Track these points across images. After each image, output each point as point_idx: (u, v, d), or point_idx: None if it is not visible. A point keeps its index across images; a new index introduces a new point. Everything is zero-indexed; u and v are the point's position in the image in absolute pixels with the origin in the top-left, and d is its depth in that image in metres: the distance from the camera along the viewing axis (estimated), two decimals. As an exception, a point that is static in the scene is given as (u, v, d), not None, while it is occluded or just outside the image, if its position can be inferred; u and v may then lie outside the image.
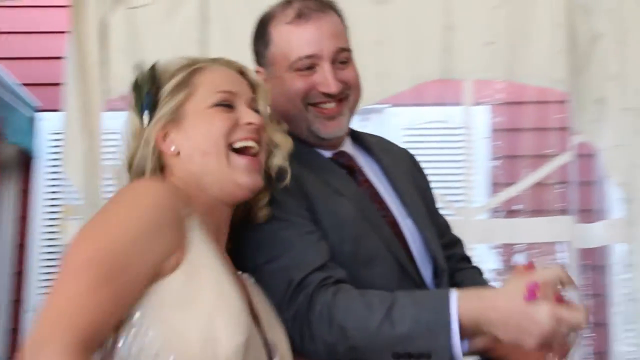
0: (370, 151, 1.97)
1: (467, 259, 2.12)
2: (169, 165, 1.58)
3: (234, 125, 1.56)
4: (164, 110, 1.56)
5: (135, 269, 1.28)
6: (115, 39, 3.35)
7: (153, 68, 1.60)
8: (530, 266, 1.60)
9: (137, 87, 1.59)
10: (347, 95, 1.85)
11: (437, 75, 3.57)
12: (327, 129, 1.84)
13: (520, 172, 4.05)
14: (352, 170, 1.88)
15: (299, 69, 1.80)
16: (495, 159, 4.70)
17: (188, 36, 3.37)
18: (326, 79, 1.80)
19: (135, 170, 1.59)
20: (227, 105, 1.57)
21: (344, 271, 1.65)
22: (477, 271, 2.09)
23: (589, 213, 3.89)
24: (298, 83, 1.81)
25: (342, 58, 1.84)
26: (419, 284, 1.78)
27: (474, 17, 3.50)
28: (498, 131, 4.72)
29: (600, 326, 4.21)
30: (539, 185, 3.80)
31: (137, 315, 1.30)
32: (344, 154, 1.91)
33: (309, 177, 1.75)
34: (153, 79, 1.58)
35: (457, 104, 3.76)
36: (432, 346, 1.49)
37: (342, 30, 1.89)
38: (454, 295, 1.53)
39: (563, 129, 3.94)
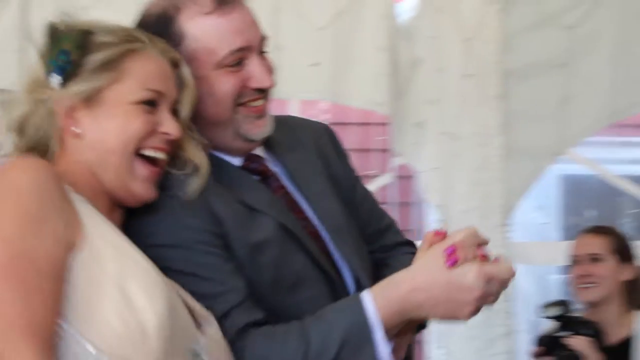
0: (273, 152, 1.75)
1: (402, 244, 1.86)
2: (64, 142, 1.42)
3: (152, 131, 1.43)
4: (82, 86, 1.38)
5: (43, 260, 1.18)
6: None
7: (86, 31, 1.40)
8: (440, 233, 1.47)
9: (56, 37, 1.39)
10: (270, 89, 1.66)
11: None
12: (258, 129, 1.63)
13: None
14: (265, 175, 1.68)
15: (228, 65, 1.57)
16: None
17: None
18: (260, 73, 1.59)
19: (27, 139, 1.41)
20: (151, 104, 1.43)
21: (260, 312, 1.49)
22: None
23: (407, 233, 4.03)
24: (230, 81, 1.57)
25: (263, 47, 1.64)
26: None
27: (301, 38, 3.55)
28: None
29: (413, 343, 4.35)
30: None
31: None
32: (255, 158, 1.70)
33: (217, 197, 1.54)
34: (81, 42, 1.39)
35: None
36: None
37: None
38: (367, 297, 1.41)
39: (384, 150, 4.08)
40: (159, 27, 1.58)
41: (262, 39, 1.62)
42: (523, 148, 3.74)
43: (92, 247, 1.24)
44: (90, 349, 1.17)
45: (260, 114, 1.63)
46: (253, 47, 1.59)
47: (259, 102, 1.62)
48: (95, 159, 1.41)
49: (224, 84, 1.57)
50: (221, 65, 1.57)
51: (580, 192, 5.46)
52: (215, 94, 1.58)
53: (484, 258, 1.38)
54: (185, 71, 1.52)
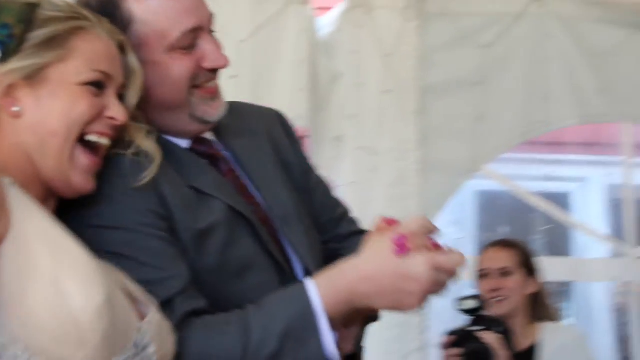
0: (223, 137, 1.69)
1: (357, 233, 1.77)
2: (0, 122, 1.31)
3: (97, 115, 1.34)
4: (24, 62, 1.27)
5: None
6: None
7: (31, 4, 1.30)
8: (390, 221, 1.44)
9: None
10: None
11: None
12: (214, 111, 1.56)
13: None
14: (215, 158, 1.62)
15: (181, 48, 1.49)
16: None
17: None
18: (214, 52, 1.52)
19: None
20: (98, 86, 1.34)
21: (202, 300, 1.42)
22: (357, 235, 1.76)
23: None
24: (184, 64, 1.50)
25: (212, 26, 1.57)
26: None
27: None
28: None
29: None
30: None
31: None
32: (203, 140, 1.63)
33: (165, 179, 1.47)
34: (25, 15, 1.29)
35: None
36: (304, 356, 1.34)
37: None
38: (312, 286, 1.36)
39: (303, 164, 4.07)
40: (104, 10, 1.49)
41: (211, 17, 1.56)
42: (440, 164, 3.81)
43: (19, 238, 1.14)
44: (21, 352, 1.08)
45: (215, 95, 1.58)
46: (204, 26, 1.52)
47: (213, 84, 1.57)
48: (33, 142, 1.32)
49: (179, 67, 1.50)
50: (174, 48, 1.49)
51: (494, 208, 5.58)
52: (169, 77, 1.51)
53: (436, 247, 1.37)
54: (132, 57, 1.44)
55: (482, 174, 4.08)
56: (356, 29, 3.70)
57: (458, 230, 5.46)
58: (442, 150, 3.84)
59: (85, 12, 1.38)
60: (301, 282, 1.41)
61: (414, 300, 1.33)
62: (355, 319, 1.47)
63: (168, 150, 1.53)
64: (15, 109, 1.30)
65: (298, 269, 1.58)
